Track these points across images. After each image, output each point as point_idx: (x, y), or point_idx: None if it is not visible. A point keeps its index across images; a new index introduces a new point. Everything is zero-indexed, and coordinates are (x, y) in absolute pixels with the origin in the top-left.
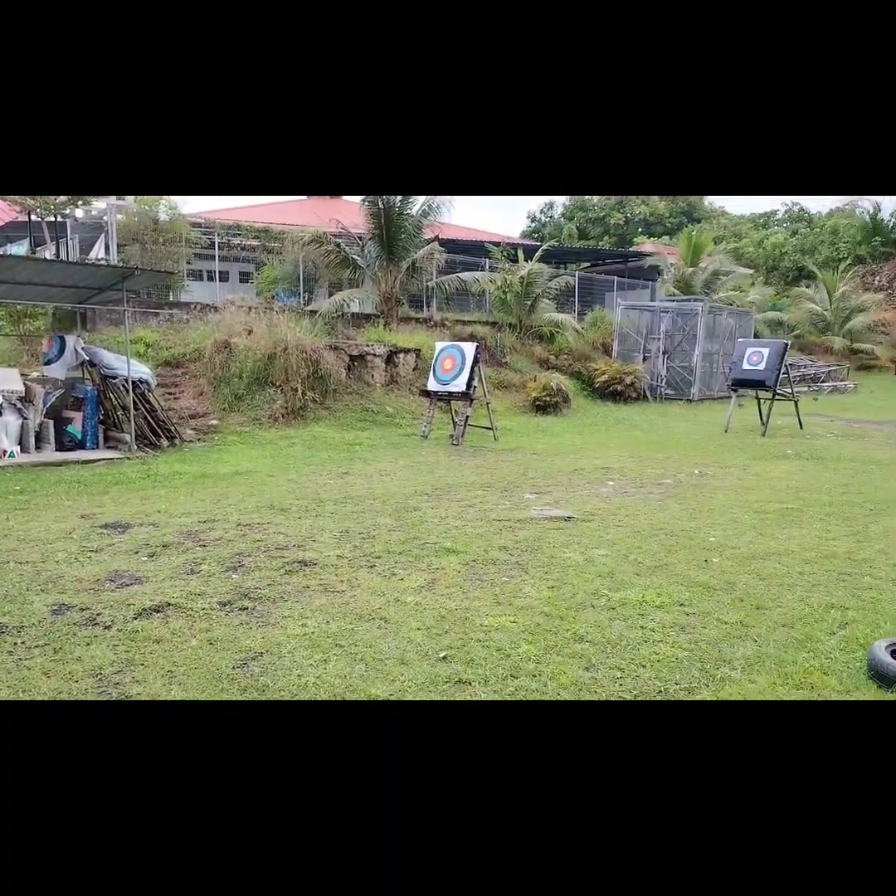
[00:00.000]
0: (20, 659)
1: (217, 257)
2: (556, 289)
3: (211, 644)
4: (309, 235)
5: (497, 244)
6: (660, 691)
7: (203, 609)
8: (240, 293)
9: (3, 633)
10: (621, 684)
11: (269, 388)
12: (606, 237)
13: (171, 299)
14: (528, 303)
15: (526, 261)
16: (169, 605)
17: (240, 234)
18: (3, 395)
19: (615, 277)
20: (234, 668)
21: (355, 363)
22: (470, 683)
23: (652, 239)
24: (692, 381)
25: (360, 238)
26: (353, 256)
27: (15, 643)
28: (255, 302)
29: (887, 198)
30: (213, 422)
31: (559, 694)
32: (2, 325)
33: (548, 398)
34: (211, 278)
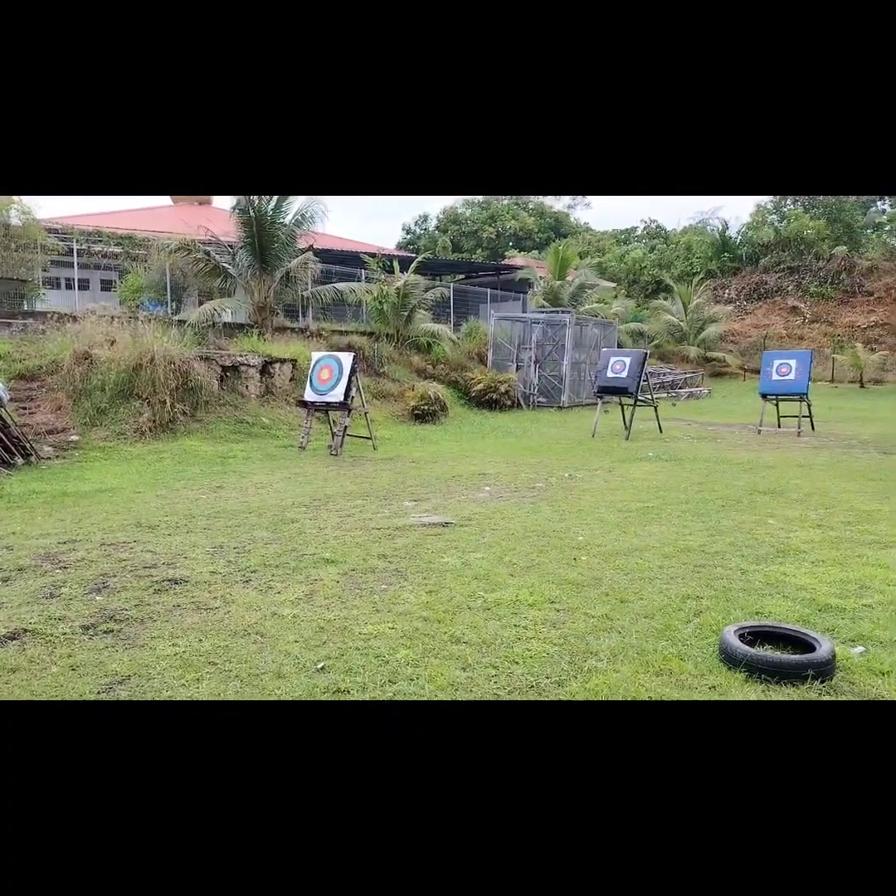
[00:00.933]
0: None
1: (76, 264)
2: (432, 300)
3: (73, 670)
4: (176, 243)
5: (373, 255)
6: (532, 686)
7: (64, 634)
8: (102, 302)
9: None
10: (496, 682)
11: (134, 401)
12: (479, 250)
13: (25, 308)
14: (405, 313)
15: (402, 272)
16: (26, 631)
17: (101, 241)
18: None
19: (488, 289)
20: (98, 693)
21: (228, 374)
22: (348, 692)
23: (522, 253)
24: (562, 388)
25: (231, 246)
26: (224, 265)
27: None
28: (119, 311)
29: (733, 217)
30: (74, 437)
31: (436, 695)
32: None
33: (426, 407)
34: (70, 286)
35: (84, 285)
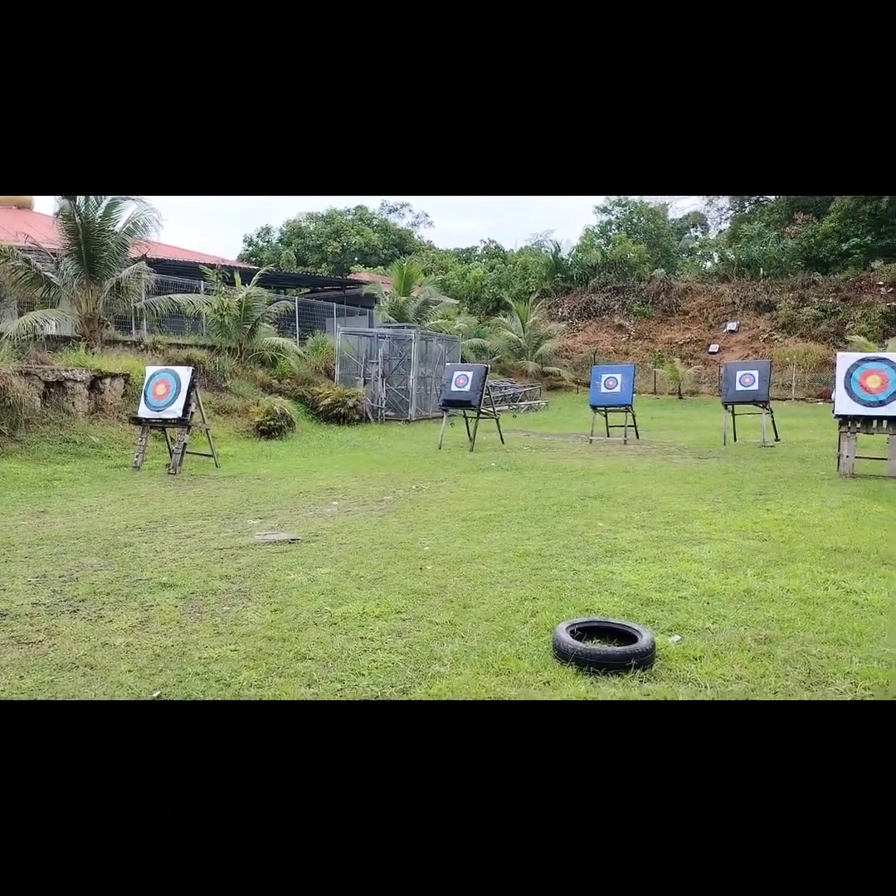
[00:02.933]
0: None
1: None
2: (277, 313)
3: None
4: None
5: (212, 266)
6: (377, 696)
7: None
8: None
9: None
10: (342, 695)
11: None
12: (324, 264)
13: None
14: (248, 327)
15: (244, 284)
16: None
17: None
18: None
19: (335, 304)
20: None
21: (52, 390)
22: None
23: (368, 268)
24: (409, 402)
25: (54, 254)
26: (47, 274)
27: None
28: None
29: (564, 239)
30: None
31: None
32: None
33: (272, 422)
34: None
35: None
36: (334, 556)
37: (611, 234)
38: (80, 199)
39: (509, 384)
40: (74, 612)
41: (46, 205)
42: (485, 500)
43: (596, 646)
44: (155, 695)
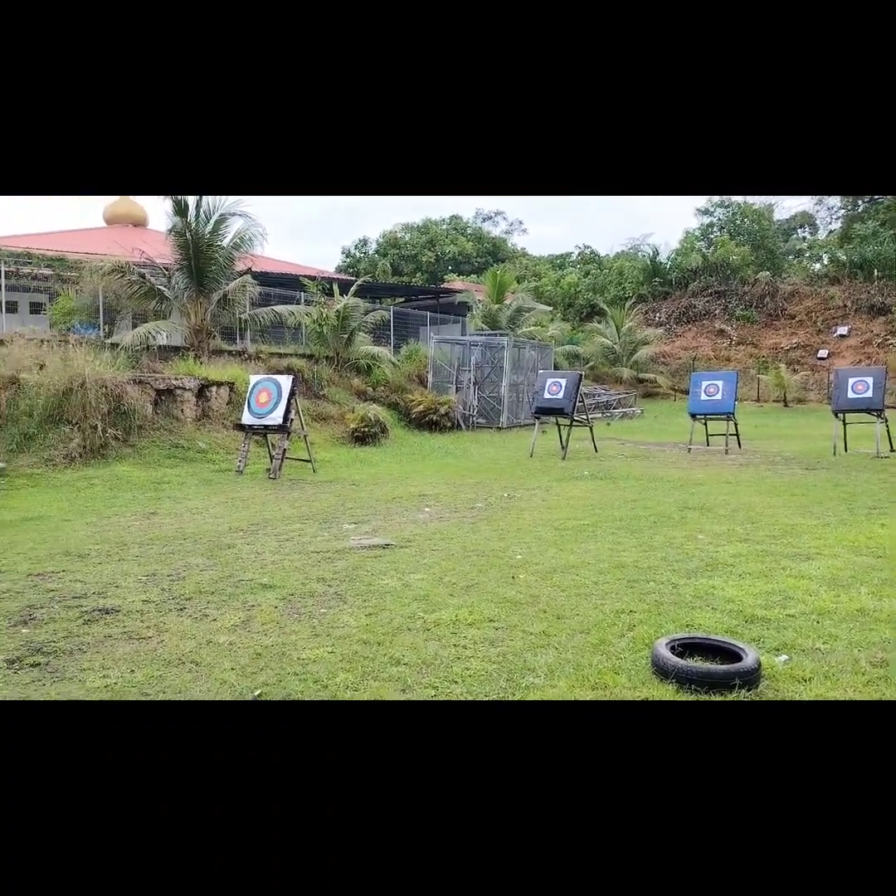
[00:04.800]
0: None
1: (3, 287)
2: (372, 323)
3: None
4: (110, 265)
5: (312, 278)
6: None
7: None
8: (30, 325)
9: None
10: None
11: (64, 427)
12: (419, 274)
13: None
14: (345, 336)
15: (342, 295)
16: None
17: (31, 263)
18: None
19: (428, 312)
20: None
21: (163, 398)
22: None
23: (461, 276)
24: (501, 410)
25: (166, 269)
26: (160, 287)
27: None
28: (49, 334)
29: (663, 243)
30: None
31: None
32: None
33: (366, 429)
34: None
35: (12, 308)
36: (427, 562)
37: (712, 236)
38: (192, 215)
39: (603, 391)
40: (181, 610)
41: (160, 222)
42: (578, 509)
43: (698, 663)
44: (256, 693)
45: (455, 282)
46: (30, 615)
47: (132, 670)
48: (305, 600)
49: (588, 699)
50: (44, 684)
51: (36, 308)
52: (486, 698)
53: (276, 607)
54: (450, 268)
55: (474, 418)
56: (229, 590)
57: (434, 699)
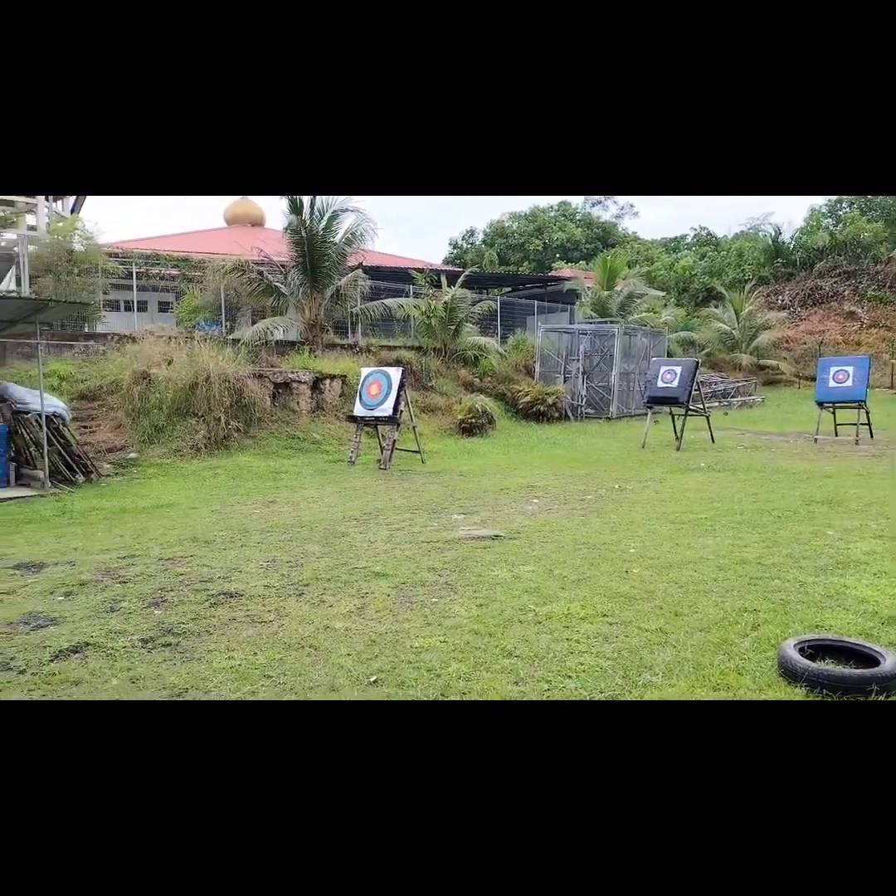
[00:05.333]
0: None
1: (135, 287)
2: (479, 313)
3: (133, 683)
4: (231, 264)
5: (420, 270)
6: (585, 700)
7: (124, 647)
8: (159, 323)
9: None
10: (549, 695)
11: (190, 419)
12: (526, 263)
13: (86, 330)
14: (452, 327)
15: (449, 286)
16: (87, 645)
17: (159, 264)
18: None
19: (535, 301)
20: None
21: (280, 391)
22: None
23: (569, 264)
24: (611, 399)
25: (283, 266)
26: (276, 284)
27: None
28: (176, 331)
29: (785, 222)
30: (132, 455)
31: None
32: None
33: (473, 420)
34: (128, 308)
35: (142, 307)
36: (536, 554)
37: (841, 212)
38: (306, 212)
39: (720, 379)
40: (300, 595)
41: (276, 221)
42: (694, 502)
43: (831, 667)
44: (371, 680)
45: (563, 269)
46: (161, 597)
47: (255, 653)
48: (416, 589)
49: (641, 700)
50: (175, 664)
51: (164, 307)
52: (601, 695)
53: (388, 595)
54: (558, 255)
55: (583, 408)
56: (344, 577)
57: (440, 699)
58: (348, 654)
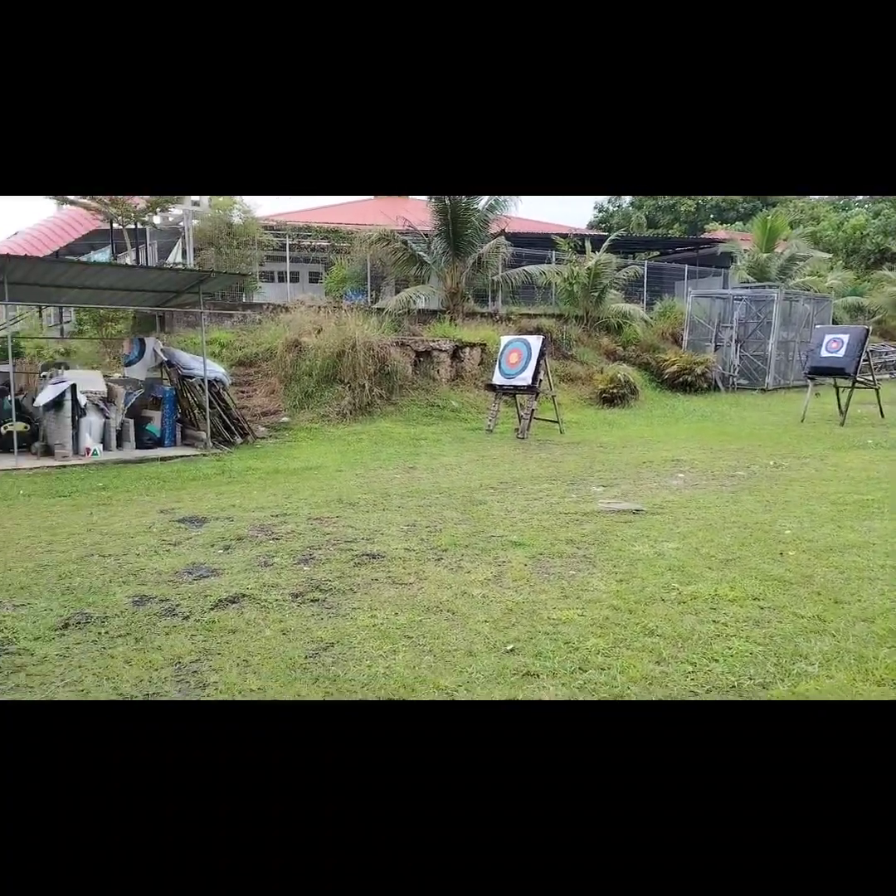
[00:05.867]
0: (104, 648)
1: (288, 259)
2: (624, 279)
3: (284, 634)
4: (376, 234)
5: (564, 236)
6: (732, 686)
7: (276, 600)
8: (309, 293)
9: (88, 622)
10: (693, 679)
11: (337, 386)
12: (676, 225)
13: (244, 301)
14: (596, 294)
15: (593, 252)
16: (244, 596)
17: (310, 236)
18: (87, 396)
19: (686, 266)
20: (306, 658)
21: (421, 359)
22: (538, 676)
23: (724, 225)
24: (767, 370)
25: (426, 235)
26: (420, 253)
27: (99, 632)
28: (324, 301)
29: None
30: (284, 419)
31: (629, 688)
32: (86, 330)
33: (615, 390)
34: (282, 279)
35: (295, 278)
36: (681, 531)
37: None
38: None
39: (893, 349)
40: (438, 560)
41: None
42: (860, 482)
43: None
44: (508, 648)
45: (717, 231)
46: (310, 555)
47: (396, 613)
48: (554, 560)
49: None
50: (322, 619)
51: (314, 277)
52: (751, 681)
53: (525, 565)
54: (712, 216)
55: (735, 379)
56: (481, 544)
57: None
58: (485, 621)
